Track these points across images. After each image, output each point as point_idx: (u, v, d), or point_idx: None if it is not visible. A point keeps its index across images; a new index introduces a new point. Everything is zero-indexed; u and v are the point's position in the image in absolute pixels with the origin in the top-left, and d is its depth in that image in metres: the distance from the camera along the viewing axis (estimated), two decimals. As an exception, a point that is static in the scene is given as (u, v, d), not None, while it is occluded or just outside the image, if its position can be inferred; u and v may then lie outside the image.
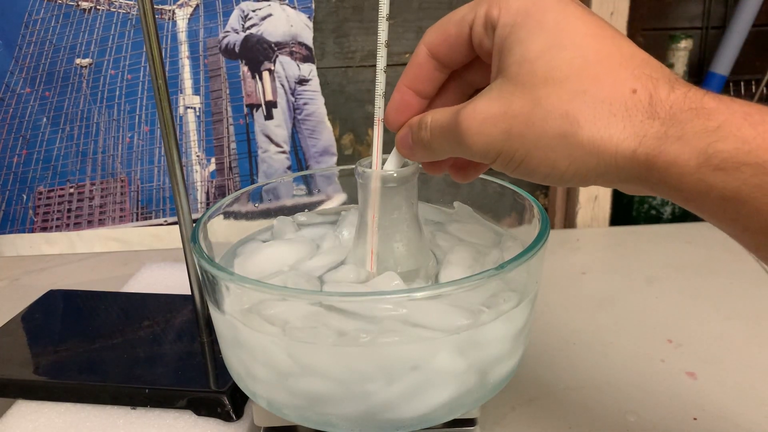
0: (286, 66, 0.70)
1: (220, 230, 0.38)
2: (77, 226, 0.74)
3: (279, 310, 0.29)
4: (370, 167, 0.33)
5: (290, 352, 0.29)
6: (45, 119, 0.71)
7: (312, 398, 0.30)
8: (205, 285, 0.32)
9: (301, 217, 0.41)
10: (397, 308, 0.27)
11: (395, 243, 0.33)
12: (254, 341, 0.30)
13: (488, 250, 0.36)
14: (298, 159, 0.73)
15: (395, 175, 0.32)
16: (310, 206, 0.43)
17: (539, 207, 0.35)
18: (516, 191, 0.38)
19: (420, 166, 0.33)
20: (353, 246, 0.34)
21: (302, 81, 0.71)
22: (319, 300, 0.28)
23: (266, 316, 0.29)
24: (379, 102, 0.31)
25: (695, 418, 0.42)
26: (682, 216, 0.75)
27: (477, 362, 0.30)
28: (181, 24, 0.69)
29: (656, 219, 0.75)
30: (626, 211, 0.76)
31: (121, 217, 0.74)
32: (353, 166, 0.34)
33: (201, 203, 0.74)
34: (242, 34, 0.69)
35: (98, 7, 0.69)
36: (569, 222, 0.76)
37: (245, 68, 0.70)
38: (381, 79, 0.31)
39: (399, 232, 0.33)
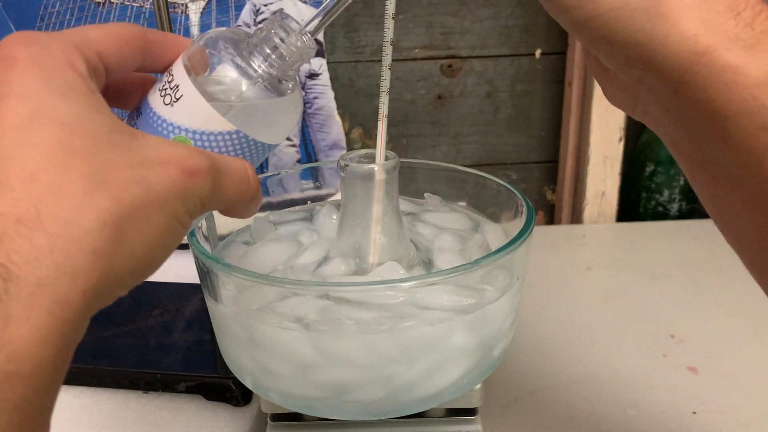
0: (296, 60, 0.71)
1: (222, 222, 0.39)
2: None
3: (295, 305, 0.30)
4: (356, 161, 0.34)
5: (315, 345, 0.30)
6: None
7: (336, 387, 0.31)
8: (207, 284, 0.33)
9: (271, 216, 0.42)
10: (413, 294, 0.29)
11: (377, 235, 0.34)
12: (274, 338, 0.31)
13: (470, 234, 0.38)
14: (308, 152, 0.74)
15: (379, 168, 0.33)
16: (317, 199, 0.44)
17: (524, 198, 0.36)
18: (502, 184, 0.39)
19: (399, 160, 0.34)
20: (337, 239, 0.35)
21: (312, 75, 0.71)
22: (340, 292, 0.30)
23: (283, 313, 0.30)
24: (383, 98, 0.32)
25: (695, 412, 0.42)
26: (689, 213, 0.75)
27: (486, 338, 0.32)
28: (194, 18, 0.70)
29: (663, 216, 0.75)
30: (633, 207, 0.77)
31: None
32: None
33: (212, 195, 0.75)
34: (254, 29, 0.70)
35: (112, 0, 0.70)
36: (576, 217, 0.76)
37: (256, 62, 0.71)
38: (386, 76, 0.31)
39: (381, 224, 0.34)
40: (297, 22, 0.26)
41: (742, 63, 0.21)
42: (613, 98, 0.28)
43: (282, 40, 0.25)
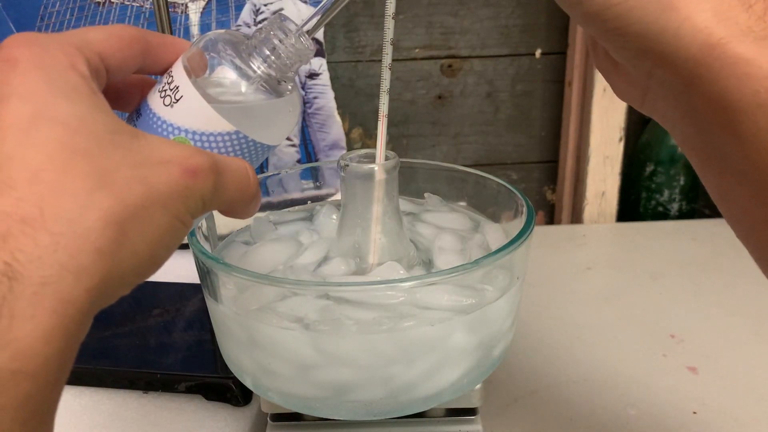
0: (296, 60, 0.71)
1: (223, 221, 0.39)
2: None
3: (295, 305, 0.30)
4: (356, 161, 0.34)
5: (315, 345, 0.30)
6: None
7: (336, 387, 0.31)
8: (207, 284, 0.33)
9: (271, 216, 0.42)
10: (413, 294, 0.29)
11: (377, 235, 0.34)
12: (274, 338, 0.31)
13: (470, 235, 0.38)
14: (308, 152, 0.74)
15: (379, 168, 0.33)
16: (317, 199, 0.44)
17: (524, 198, 0.36)
18: (502, 184, 0.39)
19: (399, 160, 0.34)
20: (337, 239, 0.35)
21: (312, 75, 0.71)
22: (341, 292, 0.30)
23: (283, 313, 0.30)
24: (383, 98, 0.32)
25: (695, 412, 0.42)
26: (689, 213, 0.75)
27: (486, 338, 0.32)
28: (194, 18, 0.70)
29: (663, 216, 0.75)
30: (633, 207, 0.77)
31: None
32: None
33: (212, 195, 0.75)
34: (254, 28, 0.70)
35: (112, 0, 0.70)
36: (576, 217, 0.76)
37: (256, 62, 0.71)
38: (386, 76, 0.31)
39: (381, 224, 0.34)
40: (295, 24, 0.26)
41: (754, 55, 0.21)
42: (620, 93, 0.28)
43: (281, 42, 0.26)
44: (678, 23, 0.22)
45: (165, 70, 0.26)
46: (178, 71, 0.25)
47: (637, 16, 0.22)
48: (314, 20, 0.27)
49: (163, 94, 0.25)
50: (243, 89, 0.26)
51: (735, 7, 0.22)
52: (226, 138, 0.25)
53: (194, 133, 0.25)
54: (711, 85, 0.22)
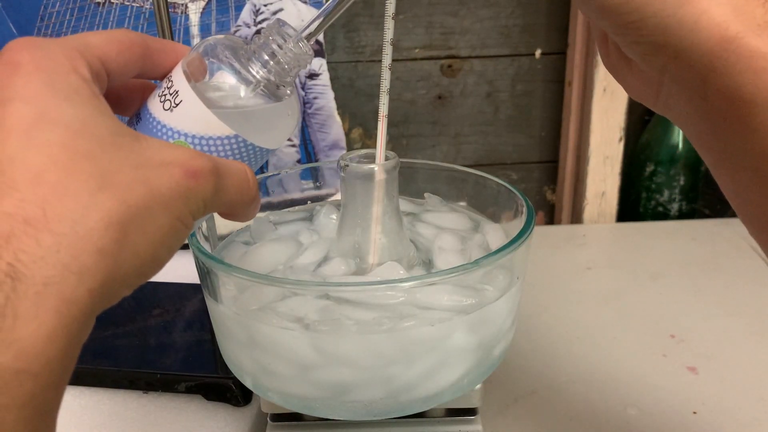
0: (296, 60, 0.71)
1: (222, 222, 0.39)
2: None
3: (295, 305, 0.30)
4: (356, 161, 0.34)
5: (315, 345, 0.30)
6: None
7: (336, 387, 0.31)
8: (207, 284, 0.33)
9: (271, 216, 0.42)
10: (413, 294, 0.29)
11: (377, 235, 0.34)
12: (274, 338, 0.31)
13: (470, 235, 0.38)
14: (308, 152, 0.74)
15: (378, 168, 0.33)
16: (317, 199, 0.44)
17: (524, 198, 0.36)
18: (502, 184, 0.39)
19: (399, 160, 0.34)
20: (337, 239, 0.35)
21: (312, 75, 0.71)
22: (341, 292, 0.30)
23: (283, 313, 0.30)
24: (383, 98, 0.32)
25: (695, 412, 0.42)
26: (689, 213, 0.75)
27: (486, 338, 0.32)
28: (194, 18, 0.70)
29: (663, 216, 0.75)
30: (633, 207, 0.77)
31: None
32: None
33: (212, 195, 0.75)
34: (254, 29, 0.70)
35: (112, 1, 0.70)
36: (576, 217, 0.76)
37: (256, 62, 0.71)
38: (386, 76, 0.31)
39: (381, 224, 0.34)
40: (294, 29, 0.26)
41: None
42: (632, 91, 0.28)
43: (279, 47, 0.26)
44: (695, 17, 0.22)
45: (165, 74, 0.26)
46: (178, 76, 0.25)
47: (654, 10, 0.22)
48: (315, 24, 0.27)
49: (162, 98, 0.25)
50: (242, 94, 0.26)
51: (752, 1, 0.22)
52: (225, 142, 0.25)
53: (194, 137, 0.25)
54: (726, 79, 0.22)
